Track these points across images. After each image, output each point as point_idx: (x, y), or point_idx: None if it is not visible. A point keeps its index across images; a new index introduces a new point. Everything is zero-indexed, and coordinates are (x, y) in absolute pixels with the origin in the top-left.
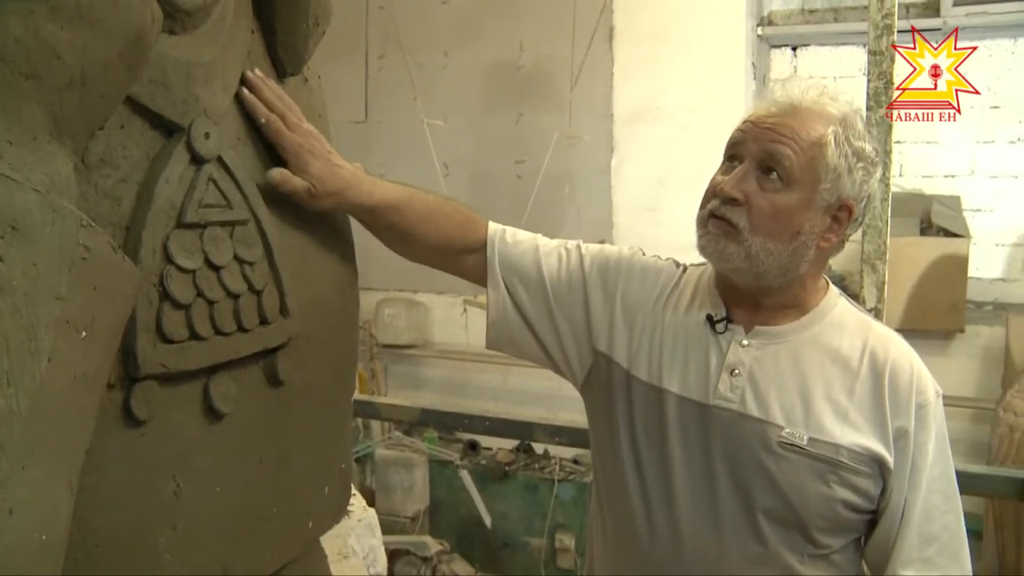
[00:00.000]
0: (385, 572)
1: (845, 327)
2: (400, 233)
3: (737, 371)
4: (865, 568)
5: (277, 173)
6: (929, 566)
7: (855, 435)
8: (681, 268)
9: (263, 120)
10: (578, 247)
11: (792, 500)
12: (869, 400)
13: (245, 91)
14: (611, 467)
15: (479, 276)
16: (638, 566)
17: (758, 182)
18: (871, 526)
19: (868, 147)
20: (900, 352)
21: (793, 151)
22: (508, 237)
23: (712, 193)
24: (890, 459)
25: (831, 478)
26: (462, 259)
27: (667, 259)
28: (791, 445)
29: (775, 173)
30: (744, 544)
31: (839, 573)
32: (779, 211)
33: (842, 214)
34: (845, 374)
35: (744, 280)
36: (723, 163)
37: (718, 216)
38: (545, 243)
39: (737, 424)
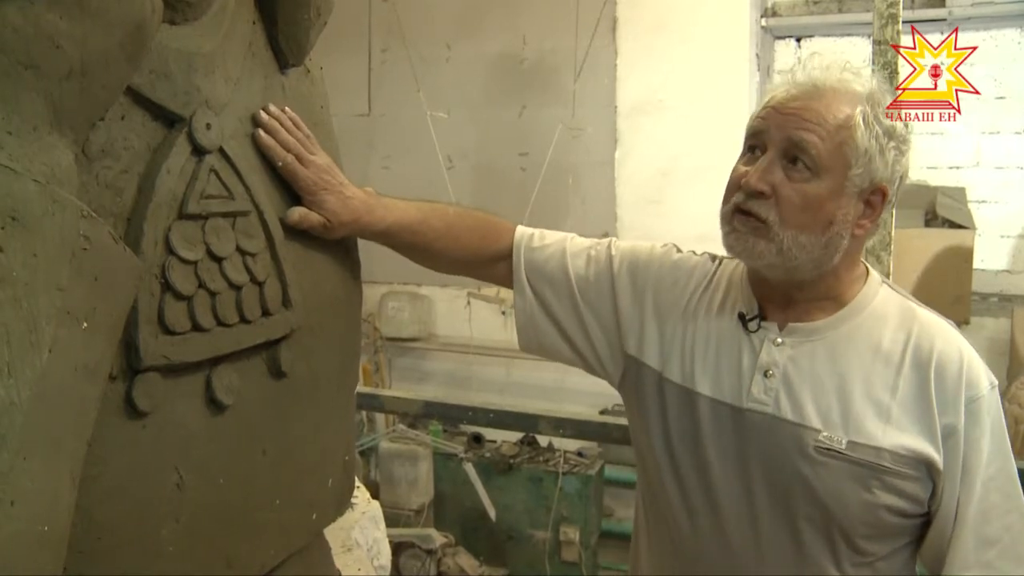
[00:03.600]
0: (389, 564)
1: (887, 318)
2: (420, 251)
3: (771, 372)
4: (920, 569)
5: (295, 213)
6: (989, 570)
7: (899, 436)
8: (716, 263)
9: (280, 164)
10: (608, 247)
11: (831, 508)
12: (914, 397)
13: (262, 134)
14: (651, 470)
15: (510, 282)
16: (684, 568)
17: (785, 172)
18: (926, 527)
19: (899, 124)
20: (948, 342)
21: (820, 137)
22: (535, 241)
23: (735, 186)
24: (939, 459)
25: (873, 483)
26: (492, 267)
27: (702, 254)
28: (828, 450)
29: (802, 162)
30: (782, 550)
31: None
32: (809, 201)
33: (875, 198)
34: (887, 370)
35: (776, 275)
36: (744, 153)
37: (744, 211)
38: (574, 244)
39: (772, 428)
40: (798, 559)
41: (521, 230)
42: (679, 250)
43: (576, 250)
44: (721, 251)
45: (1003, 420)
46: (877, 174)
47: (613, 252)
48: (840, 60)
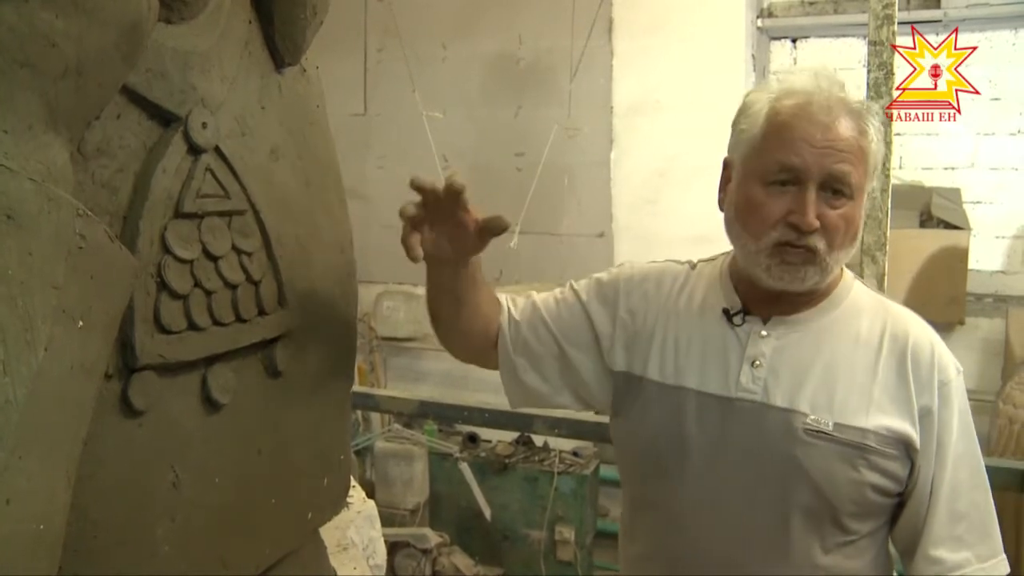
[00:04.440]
0: (384, 564)
1: (863, 310)
2: (465, 315)
3: (758, 362)
4: (893, 550)
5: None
6: (959, 544)
7: (881, 417)
8: (687, 265)
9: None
10: (570, 287)
11: (822, 487)
12: (893, 380)
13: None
14: (639, 474)
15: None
16: (664, 566)
17: (825, 201)
18: (899, 508)
19: (883, 118)
20: (920, 331)
21: (853, 165)
22: (510, 304)
23: (773, 221)
24: (916, 438)
25: (859, 462)
26: (493, 350)
27: (664, 261)
28: (817, 432)
29: (840, 190)
30: (771, 532)
31: (862, 559)
32: (849, 223)
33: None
34: (867, 357)
35: (805, 289)
36: (767, 184)
37: (798, 246)
38: (539, 296)
39: (761, 415)
40: (786, 541)
41: (502, 298)
42: (633, 264)
43: (543, 298)
44: (716, 251)
45: (967, 404)
46: (877, 178)
47: (576, 287)
48: (817, 67)
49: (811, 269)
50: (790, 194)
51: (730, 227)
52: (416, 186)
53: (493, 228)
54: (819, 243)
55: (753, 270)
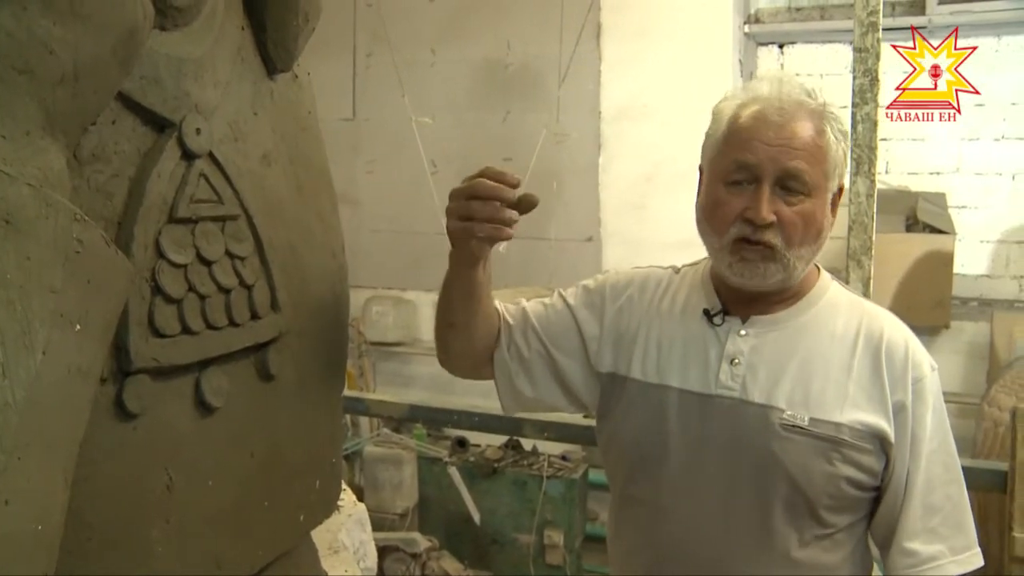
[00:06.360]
0: (375, 567)
1: (839, 309)
2: (471, 321)
3: (737, 360)
4: (872, 545)
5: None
6: (933, 536)
7: (855, 412)
8: (670, 270)
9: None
10: (557, 292)
11: (798, 480)
12: (868, 377)
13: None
14: (620, 472)
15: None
16: (649, 559)
17: (781, 198)
18: (876, 503)
19: (845, 124)
20: (894, 329)
21: (808, 162)
22: (503, 309)
23: (731, 219)
24: (891, 433)
25: (834, 456)
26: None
27: (648, 267)
28: (793, 426)
29: (795, 187)
30: (751, 526)
31: (840, 553)
32: (807, 220)
33: (836, 195)
34: (842, 353)
35: (773, 288)
36: (727, 183)
37: (754, 241)
38: (528, 303)
39: (740, 411)
40: (765, 533)
41: (500, 310)
42: (619, 271)
43: (531, 305)
44: (703, 255)
45: (942, 400)
46: (841, 177)
47: (563, 293)
48: (777, 74)
49: (771, 266)
50: (748, 192)
51: (699, 227)
52: (516, 183)
53: (529, 204)
54: (775, 239)
55: (720, 269)
